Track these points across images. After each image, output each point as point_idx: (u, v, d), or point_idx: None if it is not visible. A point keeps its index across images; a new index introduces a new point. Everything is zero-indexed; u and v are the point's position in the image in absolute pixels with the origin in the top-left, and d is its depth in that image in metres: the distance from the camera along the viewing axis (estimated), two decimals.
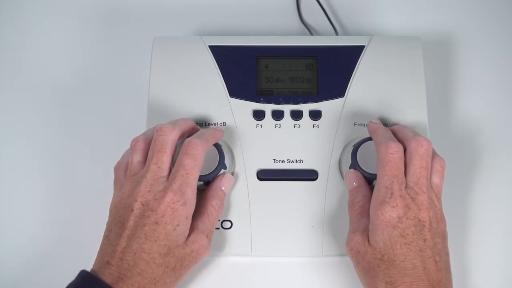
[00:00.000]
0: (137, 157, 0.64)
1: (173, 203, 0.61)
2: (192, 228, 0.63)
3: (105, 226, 0.63)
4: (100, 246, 0.61)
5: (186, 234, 0.62)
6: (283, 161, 0.70)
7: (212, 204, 0.65)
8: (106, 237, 0.61)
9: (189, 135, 0.66)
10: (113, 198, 0.65)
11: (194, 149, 0.63)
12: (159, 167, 0.62)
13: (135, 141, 0.65)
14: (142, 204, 0.61)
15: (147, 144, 0.65)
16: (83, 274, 0.59)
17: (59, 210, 0.73)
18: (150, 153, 0.63)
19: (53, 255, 0.71)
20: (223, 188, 0.67)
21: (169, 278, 0.61)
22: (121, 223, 0.61)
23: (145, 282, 0.59)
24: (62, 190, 0.74)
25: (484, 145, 0.75)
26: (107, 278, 0.58)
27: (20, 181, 0.75)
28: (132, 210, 0.61)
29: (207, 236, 0.63)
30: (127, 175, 0.64)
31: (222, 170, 0.68)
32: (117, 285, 0.57)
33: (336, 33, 0.81)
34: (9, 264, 0.71)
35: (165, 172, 0.62)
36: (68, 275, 0.59)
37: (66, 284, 0.58)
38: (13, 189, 0.75)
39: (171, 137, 0.63)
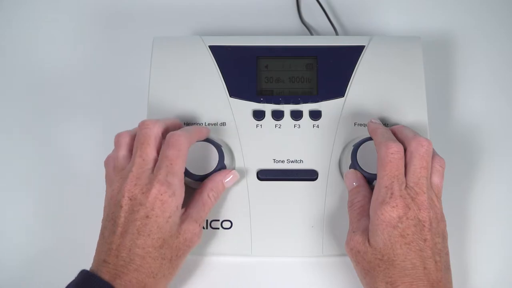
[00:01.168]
0: (122, 152, 0.64)
1: (161, 194, 0.60)
2: (185, 216, 0.63)
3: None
4: (97, 244, 0.62)
5: (178, 223, 0.62)
6: (283, 161, 0.70)
7: (209, 195, 0.65)
8: (102, 235, 0.62)
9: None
10: (105, 194, 0.65)
11: (176, 140, 0.62)
12: (143, 160, 0.62)
13: (118, 136, 0.65)
14: (130, 199, 0.61)
15: (131, 139, 0.65)
16: (83, 273, 0.59)
17: (59, 210, 0.73)
18: (134, 147, 0.63)
19: (53, 255, 0.71)
20: (225, 182, 0.67)
21: (167, 270, 0.61)
22: (113, 221, 0.61)
23: (143, 277, 0.59)
24: (62, 190, 0.74)
25: (484, 145, 0.75)
26: (105, 276, 0.58)
27: (20, 181, 0.75)
28: (122, 207, 0.61)
29: (199, 224, 0.63)
30: (115, 170, 0.64)
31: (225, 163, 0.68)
32: (115, 282, 0.58)
33: (336, 33, 0.81)
34: (9, 264, 0.71)
35: (150, 165, 0.62)
36: (68, 275, 0.59)
37: (66, 283, 0.59)
38: (13, 189, 0.75)
39: (154, 130, 0.63)
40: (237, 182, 0.69)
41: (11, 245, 0.72)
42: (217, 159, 0.67)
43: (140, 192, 0.60)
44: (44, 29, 0.82)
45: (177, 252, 0.61)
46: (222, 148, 0.68)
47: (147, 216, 0.60)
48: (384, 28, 0.82)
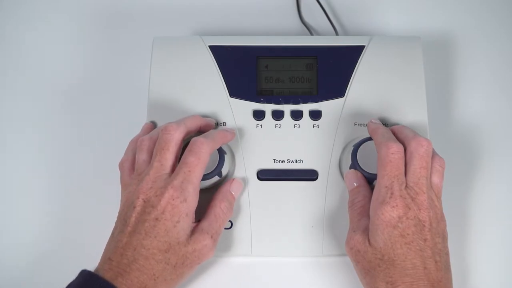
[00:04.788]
0: (143, 156, 0.65)
1: (173, 199, 0.61)
2: (197, 228, 0.63)
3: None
4: (106, 244, 0.62)
5: (188, 232, 0.62)
6: (283, 161, 0.70)
7: (221, 206, 0.66)
8: (112, 235, 0.62)
9: (200, 132, 0.67)
10: (121, 197, 0.65)
11: (198, 147, 0.63)
12: (162, 165, 0.62)
13: (140, 141, 0.66)
14: (144, 201, 0.61)
15: (153, 143, 0.65)
16: (84, 273, 0.59)
17: (60, 210, 0.73)
18: (154, 151, 0.64)
19: (54, 255, 0.71)
20: (232, 192, 0.67)
21: (169, 275, 0.61)
22: (124, 221, 0.61)
23: (144, 277, 0.59)
24: (63, 190, 0.74)
25: (484, 145, 0.75)
26: (107, 273, 0.58)
27: (21, 181, 0.75)
28: (135, 207, 0.61)
29: (211, 237, 0.63)
30: (134, 174, 0.65)
31: (222, 171, 0.68)
32: (116, 281, 0.58)
33: (336, 33, 0.81)
34: (10, 263, 0.71)
35: (168, 170, 0.63)
36: (68, 276, 0.59)
37: (66, 284, 0.59)
38: (14, 189, 0.74)
39: (175, 135, 0.64)
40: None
41: (13, 245, 0.72)
42: (217, 159, 0.67)
43: (154, 195, 0.61)
44: (44, 29, 0.82)
45: (184, 261, 0.61)
46: (222, 148, 0.68)
47: (156, 219, 0.60)
48: (384, 28, 0.82)
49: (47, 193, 0.74)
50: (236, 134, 0.70)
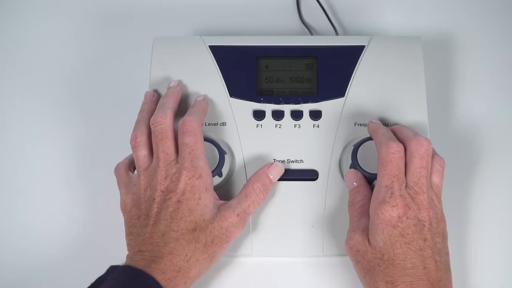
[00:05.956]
0: (143, 152, 0.65)
1: (189, 179, 0.62)
2: (224, 205, 0.64)
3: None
4: (127, 243, 0.62)
5: (211, 208, 0.63)
6: (283, 161, 0.70)
7: (253, 186, 0.66)
8: (130, 233, 0.62)
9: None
10: (123, 197, 0.65)
11: (189, 126, 0.64)
12: (167, 153, 0.64)
13: (134, 139, 0.66)
14: (162, 192, 0.62)
15: (146, 137, 0.66)
16: (114, 268, 0.59)
17: (59, 209, 0.73)
18: (154, 145, 0.65)
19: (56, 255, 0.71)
20: (270, 176, 0.67)
21: (201, 254, 0.61)
22: (145, 215, 0.62)
23: (177, 259, 0.59)
24: (61, 191, 0.74)
25: (484, 145, 0.75)
26: (139, 264, 0.59)
27: (21, 181, 0.75)
28: (154, 199, 0.62)
29: (238, 215, 0.64)
30: (138, 171, 0.65)
31: (222, 171, 0.68)
32: (149, 267, 0.58)
33: (336, 33, 0.81)
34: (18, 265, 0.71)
35: (174, 156, 0.64)
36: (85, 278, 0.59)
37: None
38: (14, 188, 0.74)
39: (167, 123, 0.65)
40: (239, 182, 0.69)
41: (21, 248, 0.72)
42: (217, 159, 0.67)
43: (171, 182, 0.62)
44: (45, 30, 0.82)
45: (213, 239, 0.62)
46: (222, 147, 0.68)
47: (178, 201, 0.61)
48: (384, 28, 0.82)
49: (47, 194, 0.74)
50: (207, 99, 0.70)
